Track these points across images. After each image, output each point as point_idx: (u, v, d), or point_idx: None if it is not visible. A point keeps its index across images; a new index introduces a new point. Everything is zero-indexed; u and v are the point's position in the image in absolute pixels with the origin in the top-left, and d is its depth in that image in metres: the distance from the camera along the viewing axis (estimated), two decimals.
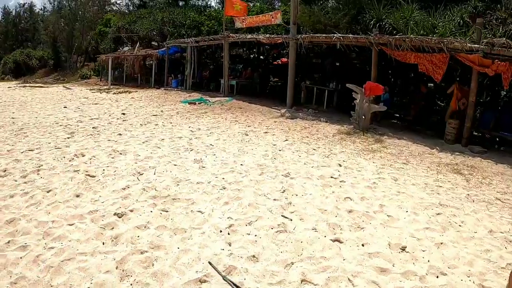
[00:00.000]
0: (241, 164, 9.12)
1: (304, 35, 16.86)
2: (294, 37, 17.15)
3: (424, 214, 6.67)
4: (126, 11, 48.45)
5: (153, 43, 34.72)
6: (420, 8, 16.82)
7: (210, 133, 12.71)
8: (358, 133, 13.69)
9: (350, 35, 15.64)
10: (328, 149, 11.39)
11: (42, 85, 35.35)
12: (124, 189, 7.25)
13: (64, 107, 18.20)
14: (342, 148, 11.58)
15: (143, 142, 11.09)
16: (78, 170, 8.21)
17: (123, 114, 16.16)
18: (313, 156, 10.45)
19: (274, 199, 6.98)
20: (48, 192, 7.01)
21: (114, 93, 25.06)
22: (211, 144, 11.09)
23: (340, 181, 8.16)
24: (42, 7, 64.23)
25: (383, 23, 17.28)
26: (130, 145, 10.73)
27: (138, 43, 32.18)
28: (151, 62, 30.53)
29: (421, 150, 11.81)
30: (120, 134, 12.10)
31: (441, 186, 8.28)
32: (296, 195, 7.24)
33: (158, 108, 18.13)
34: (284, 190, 7.45)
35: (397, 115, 18.03)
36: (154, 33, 32.69)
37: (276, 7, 30.47)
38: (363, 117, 14.22)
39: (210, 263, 4.80)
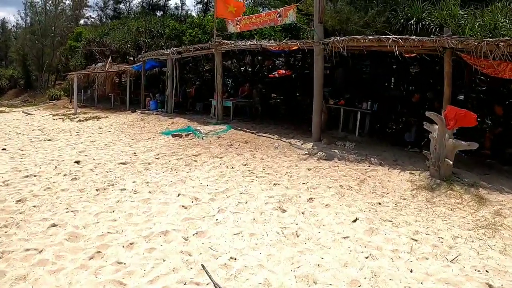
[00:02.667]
0: None
1: (338, 37, 10.79)
2: (321, 41, 11.12)
3: None
4: (99, 23, 41.65)
5: (129, 57, 28.46)
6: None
7: (219, 210, 6.66)
8: (442, 186, 8.17)
9: (414, 37, 9.75)
10: (430, 230, 6.23)
11: (3, 109, 28.72)
12: None
13: (3, 149, 11.85)
14: (445, 222, 6.51)
15: (89, 258, 4.94)
16: None
17: (77, 162, 9.93)
18: (427, 260, 5.26)
19: None
20: None
21: (80, 120, 18.72)
22: (233, 259, 5.01)
23: None
24: (15, 24, 56.68)
25: (426, 23, 12.26)
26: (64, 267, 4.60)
27: (109, 58, 25.80)
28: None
29: None
30: (54, 225, 6.08)
31: None
32: None
33: (129, 146, 11.93)
34: None
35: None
36: (128, 45, 26.33)
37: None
38: (446, 159, 8.43)
39: None
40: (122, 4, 39.17)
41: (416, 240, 5.72)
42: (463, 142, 8.52)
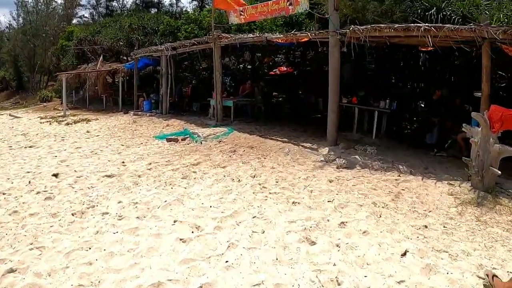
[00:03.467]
0: None
1: (357, 26, 9.13)
2: (337, 30, 9.46)
3: None
4: (91, 21, 39.66)
5: (123, 57, 26.72)
6: None
7: (229, 245, 5.08)
8: (488, 200, 6.78)
9: (449, 26, 8.13)
10: (494, 261, 4.89)
11: None
12: None
13: None
14: (507, 249, 5.14)
15: None
16: None
17: (55, 176, 8.26)
18: None
19: None
20: None
21: (68, 124, 16.96)
22: None
23: None
24: (8, 25, 54.58)
25: (447, 13, 10.86)
26: None
27: (101, 57, 23.97)
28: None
29: None
30: (12, 271, 4.58)
31: None
32: None
33: (118, 154, 10.23)
34: None
35: None
36: (120, 43, 24.52)
37: None
38: (490, 168, 6.90)
39: None
40: (115, 1, 37.35)
41: (484, 279, 4.18)
42: (509, 148, 7.00)
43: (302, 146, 10.29)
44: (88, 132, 14.17)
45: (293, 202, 6.46)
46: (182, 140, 11.31)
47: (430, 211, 6.33)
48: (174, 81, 17.48)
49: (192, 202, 6.46)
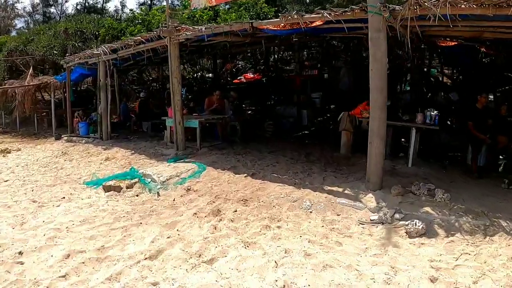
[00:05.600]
0: None
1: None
2: (377, 9, 5.19)
3: None
4: (26, 31, 33.68)
5: (62, 69, 21.50)
6: None
7: None
8: None
9: None
10: None
11: None
12: None
13: None
14: None
15: None
16: None
17: None
18: None
19: None
20: None
21: None
22: None
23: None
24: None
25: None
26: None
27: (30, 69, 18.74)
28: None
29: None
30: None
31: None
32: None
33: (20, 226, 5.55)
34: None
35: None
36: (54, 51, 19.36)
37: None
38: None
39: None
40: (53, 7, 31.64)
41: None
42: None
43: (327, 193, 5.97)
44: None
45: None
46: (127, 187, 6.72)
47: None
48: (117, 95, 12.74)
49: None
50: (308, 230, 5.00)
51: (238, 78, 17.80)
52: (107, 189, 6.82)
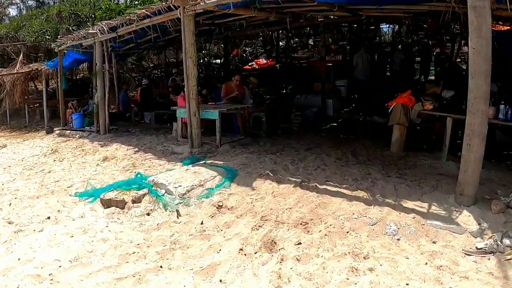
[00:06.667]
0: None
1: None
2: None
3: None
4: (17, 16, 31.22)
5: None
6: None
7: None
8: None
9: None
10: None
11: None
12: None
13: None
14: None
15: None
16: None
17: None
18: None
19: None
20: None
21: None
22: None
23: None
24: None
25: None
26: None
27: (20, 56, 16.73)
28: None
29: None
30: None
31: None
32: None
33: None
34: None
35: None
36: (47, 36, 17.34)
37: None
38: None
39: None
40: None
41: None
42: None
43: (411, 211, 4.23)
44: None
45: None
46: (133, 201, 4.85)
47: None
48: (116, 82, 10.82)
49: None
50: (411, 271, 3.25)
51: (250, 64, 15.85)
52: (106, 204, 4.95)
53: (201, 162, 6.18)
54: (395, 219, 4.13)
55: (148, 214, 4.65)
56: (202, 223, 4.26)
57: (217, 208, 4.55)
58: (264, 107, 9.52)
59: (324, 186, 4.97)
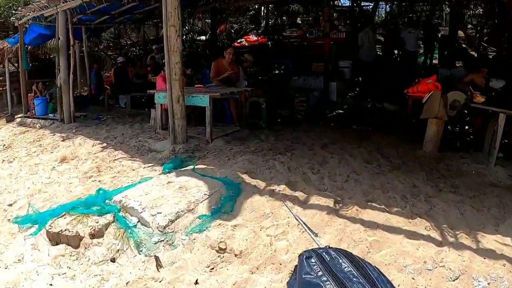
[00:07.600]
0: None
1: None
2: None
3: None
4: None
5: None
6: None
7: None
8: None
9: None
10: None
11: None
12: None
13: None
14: None
15: None
16: None
17: None
18: None
19: None
20: None
21: None
22: None
23: None
24: None
25: None
26: None
27: None
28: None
29: None
30: None
31: None
32: None
33: None
34: None
35: None
36: (13, 11, 15.22)
37: None
38: None
39: None
40: None
41: None
42: None
43: (499, 255, 2.77)
44: None
45: None
46: (92, 235, 3.22)
47: None
48: (87, 61, 9.00)
49: None
50: None
51: (238, 41, 14.06)
52: (54, 239, 3.32)
53: (188, 168, 4.54)
54: (482, 269, 2.67)
55: (113, 260, 3.04)
56: (196, 283, 2.67)
57: (217, 251, 2.95)
58: (260, 91, 7.83)
59: (368, 211, 3.41)
